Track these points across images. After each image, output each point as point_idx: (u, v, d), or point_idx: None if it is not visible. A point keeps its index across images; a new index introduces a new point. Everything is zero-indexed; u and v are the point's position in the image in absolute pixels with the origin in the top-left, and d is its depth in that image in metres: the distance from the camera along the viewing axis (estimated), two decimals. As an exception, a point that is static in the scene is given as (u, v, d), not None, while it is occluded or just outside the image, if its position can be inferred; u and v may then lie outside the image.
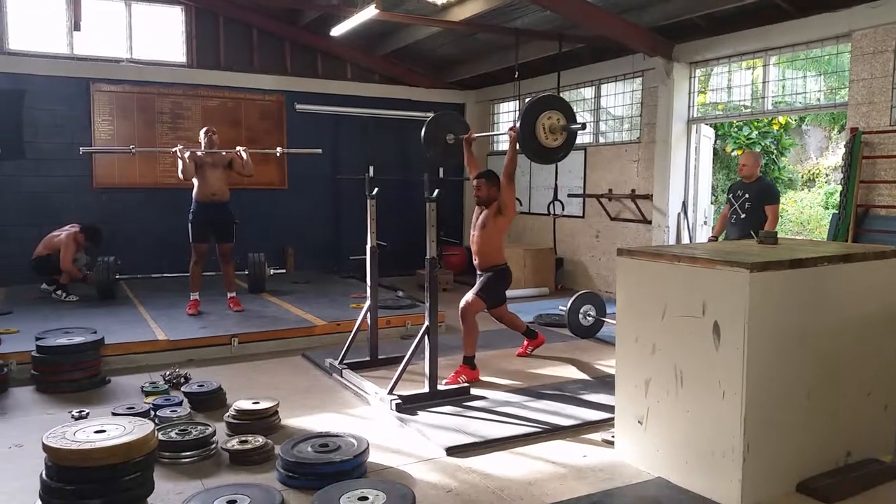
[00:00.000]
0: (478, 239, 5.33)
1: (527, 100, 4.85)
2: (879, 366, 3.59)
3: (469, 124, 5.95)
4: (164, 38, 9.59)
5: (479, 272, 5.41)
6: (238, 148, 6.87)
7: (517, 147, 5.05)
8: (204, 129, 6.86)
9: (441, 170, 10.37)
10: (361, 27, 8.30)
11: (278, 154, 7.59)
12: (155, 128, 9.38)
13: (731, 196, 6.28)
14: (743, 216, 6.08)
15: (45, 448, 2.91)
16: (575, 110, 9.82)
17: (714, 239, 6.55)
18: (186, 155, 6.58)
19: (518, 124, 4.76)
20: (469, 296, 5.27)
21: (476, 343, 5.23)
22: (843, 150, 6.49)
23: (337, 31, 8.28)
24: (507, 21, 8.63)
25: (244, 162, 6.82)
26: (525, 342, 5.81)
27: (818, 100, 7.71)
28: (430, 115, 11.23)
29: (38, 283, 7.70)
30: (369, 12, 7.27)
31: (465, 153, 5.69)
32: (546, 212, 9.26)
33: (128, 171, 9.24)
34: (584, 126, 4.94)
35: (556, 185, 9.09)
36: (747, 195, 6.08)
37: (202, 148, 6.75)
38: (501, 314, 5.56)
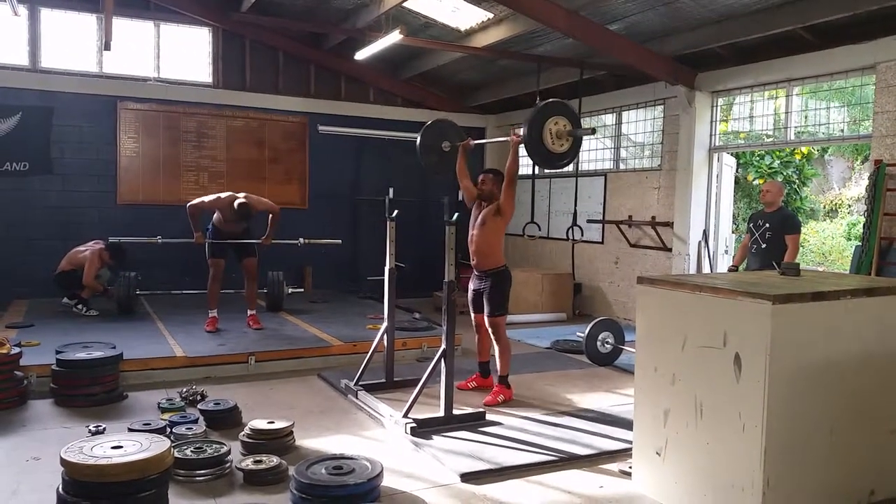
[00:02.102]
0: (476, 238, 5.29)
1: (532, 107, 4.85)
2: (904, 402, 3.52)
3: (466, 133, 5.91)
4: (191, 59, 9.77)
5: (476, 272, 5.37)
6: (264, 238, 7.08)
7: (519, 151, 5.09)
8: (238, 203, 6.67)
9: (460, 193, 10.39)
10: (385, 52, 8.42)
11: (300, 244, 7.98)
12: (180, 146, 9.52)
13: (751, 225, 6.25)
14: (764, 246, 6.03)
15: (63, 462, 2.93)
16: (595, 136, 9.91)
17: (734, 268, 6.50)
18: (209, 199, 6.88)
19: (524, 129, 4.77)
20: (487, 319, 5.25)
21: (510, 361, 5.27)
22: (866, 181, 6.43)
23: (361, 55, 8.40)
24: (530, 48, 8.71)
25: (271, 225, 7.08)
26: (475, 375, 5.58)
27: (842, 131, 7.65)
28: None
29: (60, 296, 7.80)
30: (393, 37, 7.38)
31: (458, 160, 5.58)
32: (565, 237, 9.24)
33: (151, 188, 9.37)
34: (593, 131, 4.95)
35: (575, 210, 9.08)
36: (768, 225, 6.04)
37: (230, 213, 6.77)
38: (485, 326, 5.36)
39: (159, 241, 7.61)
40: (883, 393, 3.42)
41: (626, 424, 4.23)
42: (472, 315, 5.47)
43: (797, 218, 6.56)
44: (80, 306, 7.59)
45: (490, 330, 5.27)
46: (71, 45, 9.11)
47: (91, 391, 4.87)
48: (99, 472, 2.87)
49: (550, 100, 4.93)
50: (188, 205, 6.89)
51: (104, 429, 4.17)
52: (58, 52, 9.04)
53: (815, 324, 3.15)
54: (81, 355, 5.06)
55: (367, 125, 10.49)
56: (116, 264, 7.88)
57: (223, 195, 6.90)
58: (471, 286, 5.43)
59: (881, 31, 6.21)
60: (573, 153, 4.91)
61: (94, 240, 7.96)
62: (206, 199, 6.90)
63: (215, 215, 6.86)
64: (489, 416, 4.71)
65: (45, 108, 8.79)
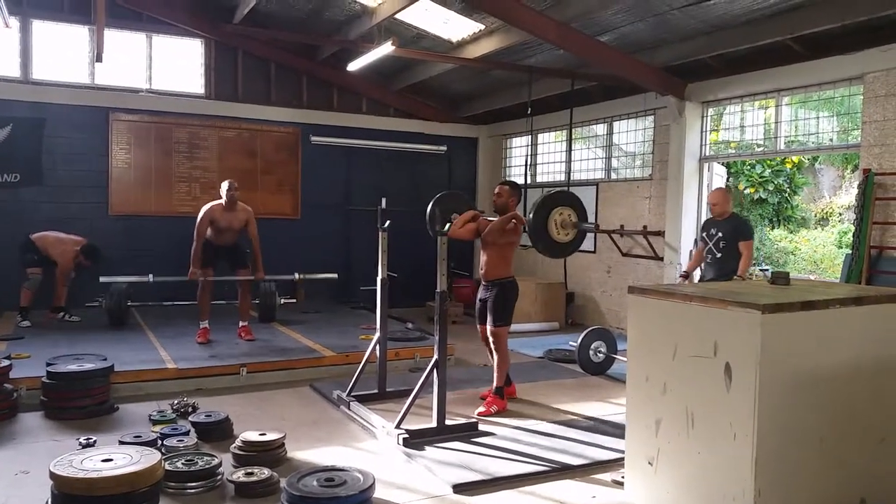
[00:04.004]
0: (487, 249, 5.32)
1: (541, 193, 4.92)
2: (893, 411, 3.53)
3: (474, 205, 5.86)
4: (183, 70, 9.78)
5: (483, 282, 5.39)
6: (257, 274, 6.98)
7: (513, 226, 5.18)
8: (227, 184, 6.84)
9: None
10: (377, 63, 8.45)
11: (296, 279, 8.12)
12: (172, 157, 9.52)
13: (704, 234, 6.13)
14: (719, 255, 5.94)
15: (52, 476, 2.92)
16: (587, 146, 9.95)
17: (686, 275, 6.41)
18: (203, 211, 6.80)
19: (531, 216, 4.78)
20: (490, 327, 5.26)
21: (506, 373, 5.29)
22: (856, 189, 6.48)
23: (353, 66, 8.42)
24: (521, 59, 8.76)
25: (255, 243, 6.94)
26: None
27: (831, 140, 7.71)
28: (443, 148, 11.40)
29: (47, 306, 7.76)
30: (385, 49, 7.41)
31: (459, 225, 5.47)
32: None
33: (143, 200, 9.35)
34: (597, 227, 5.03)
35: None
36: (721, 234, 5.95)
37: (223, 199, 6.81)
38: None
39: (151, 279, 7.56)
40: (873, 402, 3.44)
41: (619, 434, 4.24)
42: (479, 326, 5.47)
43: (749, 224, 6.49)
44: (62, 314, 7.63)
45: (491, 339, 5.28)
46: (63, 57, 9.11)
47: (82, 403, 4.85)
48: (89, 485, 2.85)
49: (558, 189, 4.97)
50: (197, 230, 6.77)
51: (95, 441, 4.15)
52: (49, 63, 9.03)
53: (805, 333, 3.17)
54: (72, 367, 5.03)
55: (359, 136, 10.53)
56: (91, 265, 7.82)
57: (213, 203, 6.89)
58: (478, 297, 5.47)
59: (869, 42, 6.27)
60: (577, 244, 4.94)
61: (76, 234, 7.91)
62: (202, 215, 6.80)
63: (207, 231, 6.85)
64: (482, 427, 4.70)
65: (36, 119, 8.77)
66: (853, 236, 6.35)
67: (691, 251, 8.18)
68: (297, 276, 7.96)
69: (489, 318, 5.27)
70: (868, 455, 3.42)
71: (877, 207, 6.17)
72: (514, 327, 8.55)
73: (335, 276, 8.78)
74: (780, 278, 3.85)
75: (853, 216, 6.50)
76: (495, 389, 5.24)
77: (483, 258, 5.37)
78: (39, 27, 8.96)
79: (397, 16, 7.66)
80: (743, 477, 3.02)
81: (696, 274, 6.46)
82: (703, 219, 8.23)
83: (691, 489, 3.28)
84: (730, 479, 3.08)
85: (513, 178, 11.13)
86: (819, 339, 3.22)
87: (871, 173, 6.19)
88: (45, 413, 4.86)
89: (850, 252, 6.41)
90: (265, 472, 3.69)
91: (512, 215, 5.20)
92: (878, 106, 6.23)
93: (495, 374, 5.26)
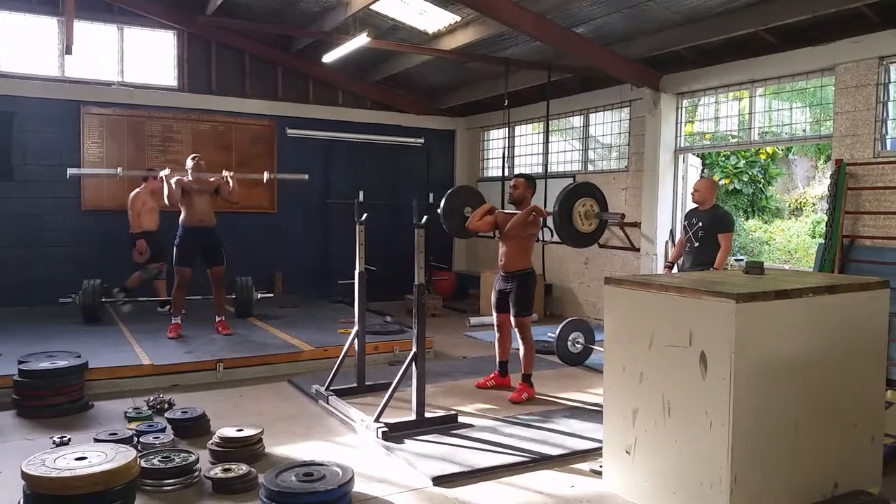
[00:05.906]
0: (508, 242, 5.41)
1: (565, 187, 5.06)
2: (865, 397, 3.59)
3: (485, 197, 5.96)
4: (155, 62, 9.64)
5: (502, 273, 5.48)
6: (225, 173, 6.85)
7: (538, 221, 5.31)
8: (191, 156, 6.93)
9: (430, 195, 10.41)
10: (353, 54, 8.38)
11: (265, 180, 7.50)
12: (145, 151, 9.39)
13: (685, 224, 6.18)
14: (697, 244, 5.99)
15: (24, 476, 2.87)
16: (564, 138, 9.98)
17: (670, 265, 6.46)
18: (173, 181, 6.59)
19: (556, 208, 4.90)
20: (514, 319, 5.37)
21: (534, 360, 5.40)
22: (828, 180, 6.57)
23: (329, 57, 8.36)
24: (497, 50, 8.74)
25: (231, 189, 6.82)
26: (493, 374, 5.68)
27: (804, 131, 7.80)
28: (421, 140, 11.37)
29: (22, 304, 7.63)
30: (361, 40, 7.36)
31: (477, 218, 5.65)
32: (535, 238, 9.27)
33: (116, 194, 9.19)
34: (622, 216, 5.17)
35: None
36: (701, 223, 6.00)
37: (189, 174, 6.76)
38: (508, 326, 5.52)
39: (119, 173, 7.30)
40: (845, 388, 3.49)
41: (597, 424, 4.26)
42: (495, 315, 5.58)
43: (730, 216, 6.52)
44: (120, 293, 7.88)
45: (517, 330, 5.39)
46: (32, 49, 8.93)
47: (55, 401, 4.77)
48: (62, 484, 2.81)
49: (580, 182, 5.05)
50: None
51: (69, 440, 4.10)
52: (18, 55, 8.84)
53: (779, 322, 3.21)
54: (45, 365, 4.95)
55: (335, 128, 10.45)
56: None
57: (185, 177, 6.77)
58: (495, 287, 5.55)
59: (839, 33, 6.35)
60: (599, 233, 5.09)
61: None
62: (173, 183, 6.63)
63: (182, 215, 6.77)
64: (461, 419, 4.71)
65: (5, 113, 8.59)
66: (826, 226, 6.43)
67: (667, 242, 8.28)
68: (265, 176, 7.54)
69: (513, 310, 5.37)
70: (841, 440, 3.48)
71: (849, 197, 6.26)
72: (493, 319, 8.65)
73: (306, 177, 8.37)
74: (755, 268, 3.89)
75: (826, 206, 6.58)
76: (524, 377, 5.33)
77: (502, 250, 5.47)
78: (6, 18, 8.76)
79: (373, 7, 7.60)
80: (719, 464, 3.06)
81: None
82: (681, 210, 8.32)
83: (668, 477, 3.31)
84: (706, 466, 3.12)
85: (490, 171, 11.22)
86: (793, 328, 3.26)
87: (843, 164, 6.27)
88: (18, 412, 4.78)
89: (823, 241, 6.49)
90: (243, 468, 3.67)
91: (532, 208, 5.30)
92: (849, 97, 6.31)
93: (523, 363, 5.35)
